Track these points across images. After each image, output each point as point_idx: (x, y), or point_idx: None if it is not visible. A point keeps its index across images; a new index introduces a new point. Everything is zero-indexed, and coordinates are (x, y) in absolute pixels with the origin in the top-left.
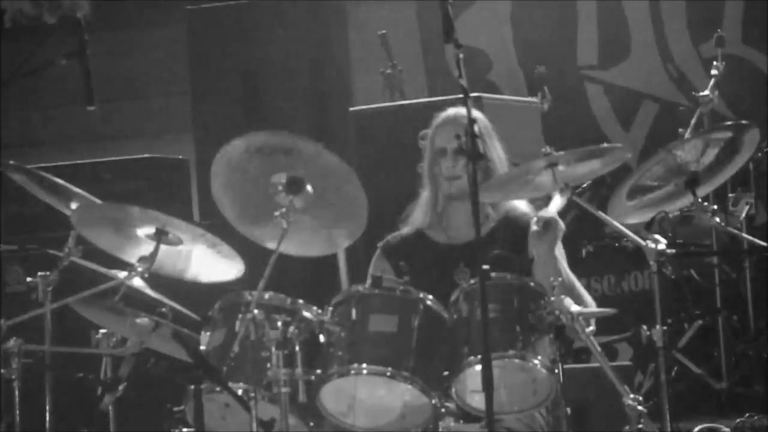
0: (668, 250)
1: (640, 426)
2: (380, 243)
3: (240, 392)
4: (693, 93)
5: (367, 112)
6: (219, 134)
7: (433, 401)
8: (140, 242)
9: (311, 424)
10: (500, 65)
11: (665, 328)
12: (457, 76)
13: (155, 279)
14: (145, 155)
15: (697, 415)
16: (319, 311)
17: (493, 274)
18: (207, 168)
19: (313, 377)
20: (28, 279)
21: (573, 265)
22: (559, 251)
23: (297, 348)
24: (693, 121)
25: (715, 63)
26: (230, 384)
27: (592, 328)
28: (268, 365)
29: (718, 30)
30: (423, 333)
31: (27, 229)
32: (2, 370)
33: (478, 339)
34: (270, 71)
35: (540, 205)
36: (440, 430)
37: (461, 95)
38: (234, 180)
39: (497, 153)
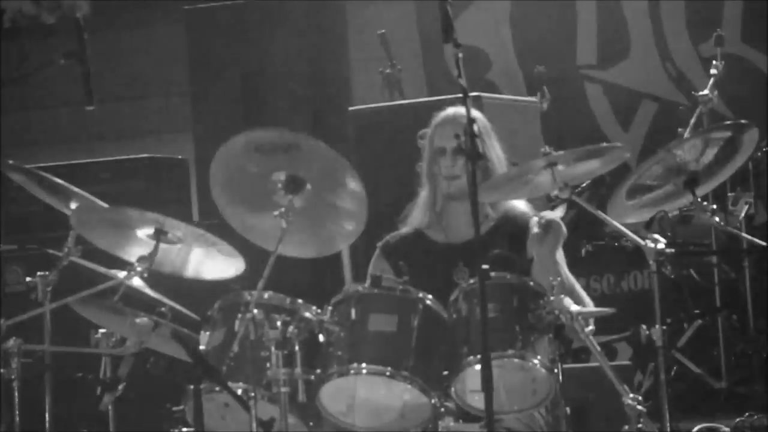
0: (667, 250)
1: (640, 425)
2: (379, 243)
3: (239, 392)
4: (692, 92)
5: (367, 112)
6: (218, 134)
7: (433, 401)
8: (140, 241)
9: (311, 423)
10: (499, 65)
11: (665, 327)
12: (457, 76)
13: (155, 279)
14: (145, 155)
15: (697, 415)
16: (319, 311)
17: (492, 274)
18: (206, 167)
19: (312, 377)
20: (28, 279)
21: (572, 264)
22: (559, 254)
23: (296, 348)
24: (692, 121)
25: (714, 62)
26: (230, 384)
27: (591, 327)
28: (268, 365)
29: (718, 29)
30: (422, 333)
31: (26, 229)
32: (2, 370)
33: (478, 338)
34: (269, 71)
35: (539, 204)
36: (440, 429)
37: (460, 95)
38: (233, 180)
39: (496, 152)
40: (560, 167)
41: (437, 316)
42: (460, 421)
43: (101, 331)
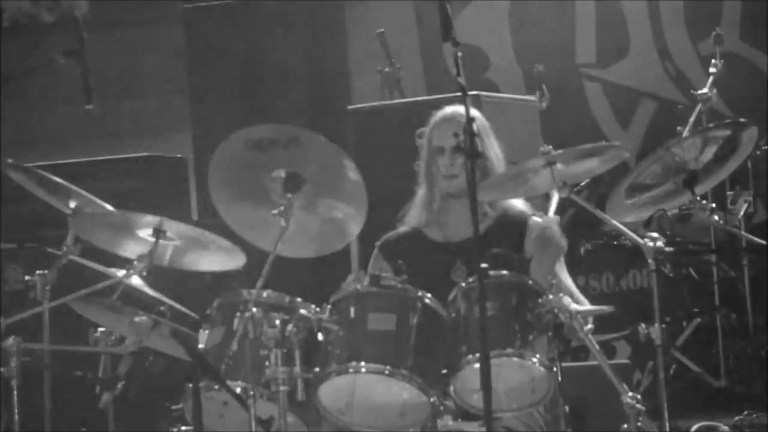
0: (667, 248)
1: (639, 424)
2: (378, 242)
3: (238, 390)
4: (691, 91)
5: (366, 111)
6: (217, 132)
7: (432, 399)
8: (139, 240)
9: (310, 422)
10: (498, 63)
11: (664, 326)
12: (456, 75)
13: (154, 277)
14: (144, 154)
15: (696, 414)
16: (318, 309)
17: (491, 273)
18: (205, 166)
19: (311, 375)
20: (27, 277)
21: (571, 264)
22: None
23: (295, 346)
24: (691, 119)
25: (713, 61)
26: (229, 382)
27: (590, 326)
28: (267, 363)
29: (717, 28)
30: (421, 331)
31: (25, 228)
32: (1, 369)
33: (477, 337)
34: (268, 69)
35: (538, 203)
36: (439, 428)
37: (459, 93)
38: (232, 178)
39: (495, 151)
40: (559, 166)
41: (436, 315)
42: (459, 419)
43: (100, 329)
